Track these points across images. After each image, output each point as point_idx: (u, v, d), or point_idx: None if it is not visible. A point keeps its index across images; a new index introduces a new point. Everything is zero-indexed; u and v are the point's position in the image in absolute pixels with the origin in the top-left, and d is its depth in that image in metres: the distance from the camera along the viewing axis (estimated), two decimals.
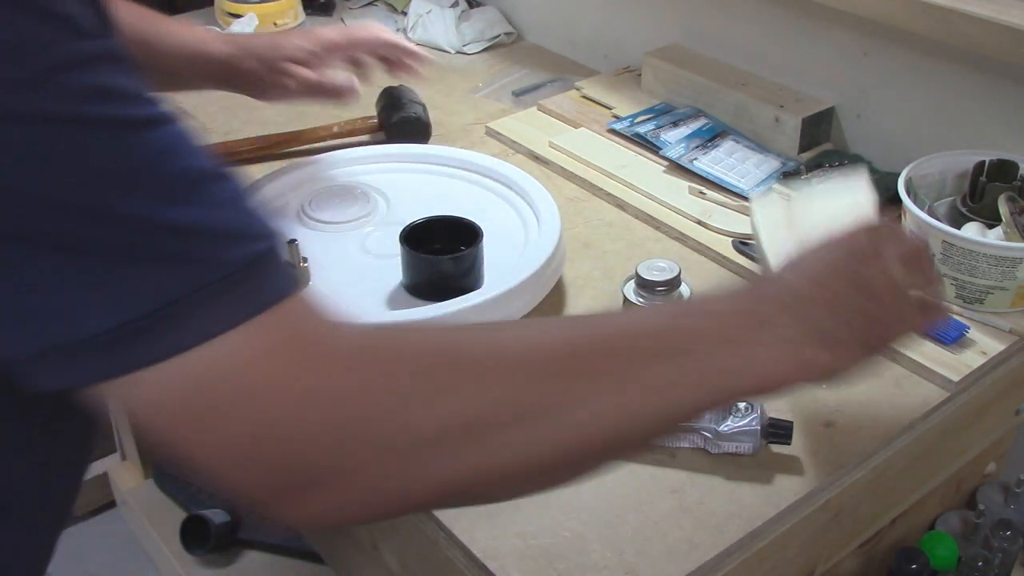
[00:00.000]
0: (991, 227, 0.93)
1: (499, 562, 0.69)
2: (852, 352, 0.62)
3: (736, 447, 0.77)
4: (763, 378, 0.57)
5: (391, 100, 1.23)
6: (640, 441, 0.57)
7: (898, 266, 0.64)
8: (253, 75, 1.03)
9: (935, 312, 0.68)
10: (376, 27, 1.10)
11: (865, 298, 0.62)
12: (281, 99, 1.07)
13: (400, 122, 1.20)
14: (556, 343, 0.54)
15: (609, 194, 1.10)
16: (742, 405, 0.78)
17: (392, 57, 1.09)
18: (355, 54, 1.07)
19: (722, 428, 0.76)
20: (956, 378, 0.84)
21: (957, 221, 0.95)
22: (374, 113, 1.23)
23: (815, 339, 0.59)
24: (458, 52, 1.49)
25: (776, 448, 0.78)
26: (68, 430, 0.60)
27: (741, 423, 0.76)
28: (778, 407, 0.82)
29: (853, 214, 0.74)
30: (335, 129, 1.22)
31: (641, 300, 0.82)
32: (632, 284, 0.83)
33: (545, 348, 0.53)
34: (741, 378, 0.56)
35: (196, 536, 1.55)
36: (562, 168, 1.16)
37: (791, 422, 0.77)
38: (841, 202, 0.82)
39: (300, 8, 1.57)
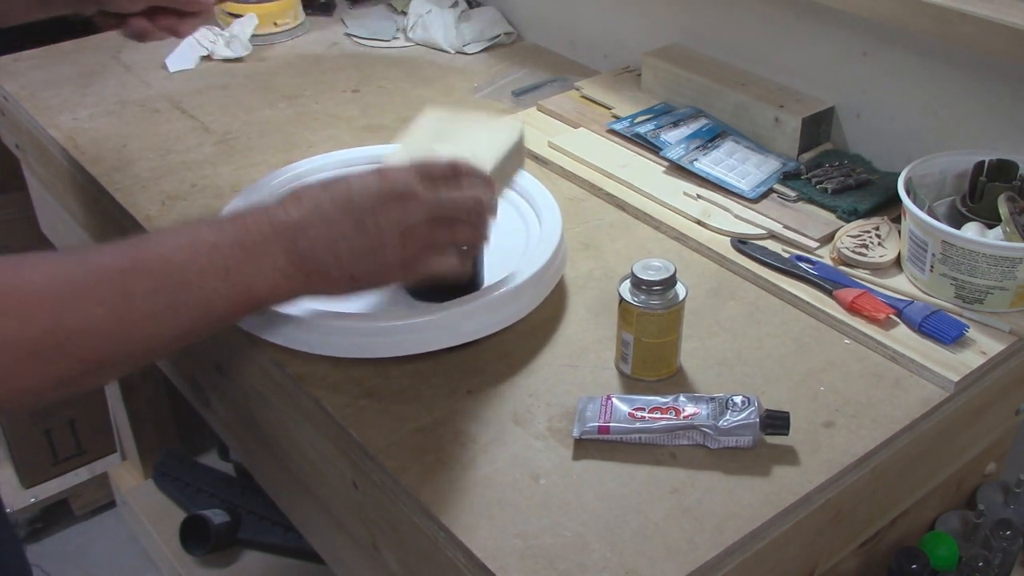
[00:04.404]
0: (991, 227, 0.93)
1: (499, 562, 0.69)
2: (336, 282, 0.75)
3: (736, 441, 0.77)
4: (251, 300, 0.71)
5: None
6: (150, 357, 0.70)
7: (422, 220, 0.76)
8: None
9: (463, 262, 0.80)
10: None
11: (367, 238, 0.74)
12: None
13: None
14: (59, 283, 0.64)
15: (609, 194, 1.10)
16: (738, 399, 0.78)
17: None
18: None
19: (721, 423, 0.76)
20: (956, 378, 0.84)
21: (957, 221, 0.95)
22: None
23: (297, 265, 0.72)
24: (458, 52, 1.49)
25: (776, 448, 0.78)
26: None
27: (739, 417, 0.77)
28: (778, 405, 0.82)
29: (492, 147, 0.86)
30: None
31: (637, 301, 0.82)
32: (628, 283, 0.83)
33: (52, 286, 0.63)
34: (235, 303, 0.70)
35: (196, 536, 1.56)
36: (562, 168, 1.16)
37: (787, 413, 0.78)
38: (489, 135, 0.89)
39: (300, 8, 1.57)
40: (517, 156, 0.93)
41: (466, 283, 0.90)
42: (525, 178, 1.04)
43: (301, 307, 0.84)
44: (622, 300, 0.83)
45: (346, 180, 0.77)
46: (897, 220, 0.99)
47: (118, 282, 0.65)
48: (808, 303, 0.93)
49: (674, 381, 0.85)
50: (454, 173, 0.79)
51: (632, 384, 0.85)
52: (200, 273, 0.68)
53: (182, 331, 0.69)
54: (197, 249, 0.69)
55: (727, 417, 0.77)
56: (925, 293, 0.94)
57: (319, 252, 0.73)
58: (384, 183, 0.76)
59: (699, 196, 1.08)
